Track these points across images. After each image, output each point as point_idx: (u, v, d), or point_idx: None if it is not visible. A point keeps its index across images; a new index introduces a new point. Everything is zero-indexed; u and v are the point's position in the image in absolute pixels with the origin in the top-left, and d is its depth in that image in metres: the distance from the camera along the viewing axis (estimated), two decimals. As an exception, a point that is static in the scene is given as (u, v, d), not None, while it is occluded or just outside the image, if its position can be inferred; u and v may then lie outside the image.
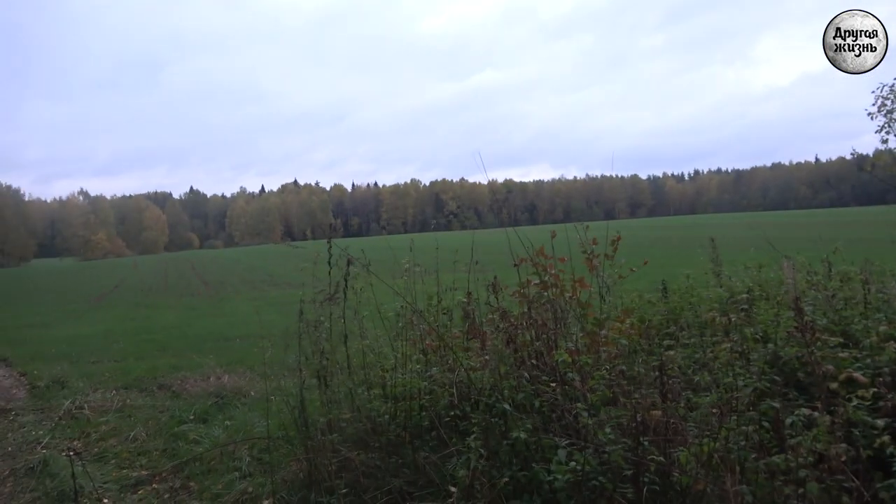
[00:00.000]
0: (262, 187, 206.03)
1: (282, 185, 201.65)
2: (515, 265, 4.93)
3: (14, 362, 11.68)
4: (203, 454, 5.73)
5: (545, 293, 4.78)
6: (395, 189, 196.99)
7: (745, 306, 4.83)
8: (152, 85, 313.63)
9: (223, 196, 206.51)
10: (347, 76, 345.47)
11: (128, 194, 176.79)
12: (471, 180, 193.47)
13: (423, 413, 4.54)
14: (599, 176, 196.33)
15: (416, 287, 5.53)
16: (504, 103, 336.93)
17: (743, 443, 2.89)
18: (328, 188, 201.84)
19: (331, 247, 4.97)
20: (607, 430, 3.33)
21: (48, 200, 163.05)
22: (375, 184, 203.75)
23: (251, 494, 4.75)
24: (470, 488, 3.45)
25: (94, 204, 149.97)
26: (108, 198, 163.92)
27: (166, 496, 5.17)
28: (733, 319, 4.55)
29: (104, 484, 5.39)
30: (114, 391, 8.52)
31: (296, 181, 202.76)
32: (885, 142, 9.28)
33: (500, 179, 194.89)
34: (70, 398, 8.09)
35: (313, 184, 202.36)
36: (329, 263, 4.95)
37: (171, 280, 39.03)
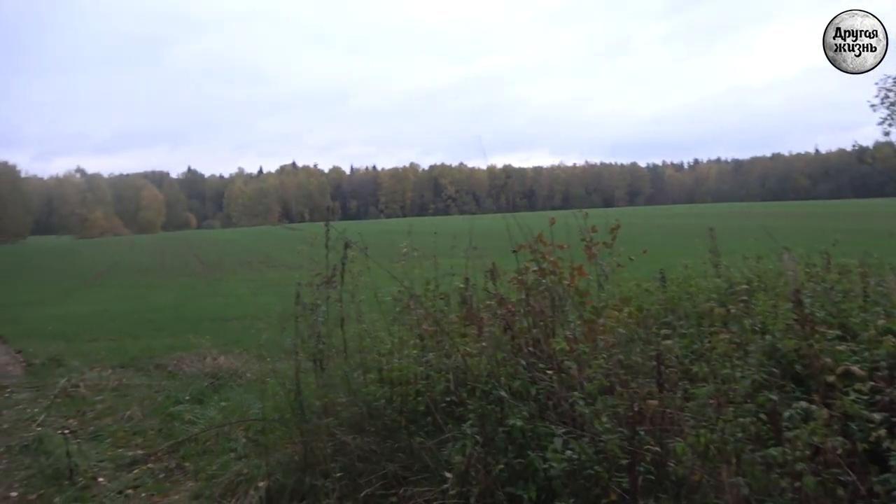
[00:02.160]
0: (261, 168, 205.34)
1: (280, 167, 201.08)
2: (514, 251, 4.91)
3: (10, 339, 11.67)
4: (198, 435, 5.73)
5: (543, 280, 4.76)
6: (394, 173, 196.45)
7: (745, 297, 4.81)
8: (155, 63, 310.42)
9: (221, 177, 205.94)
10: (348, 58, 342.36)
11: (125, 173, 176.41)
12: (470, 165, 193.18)
13: (420, 398, 4.53)
14: (599, 163, 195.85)
15: (414, 272, 5.52)
16: (504, 88, 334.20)
17: (740, 434, 2.89)
18: (327, 170, 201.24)
19: (328, 230, 4.94)
20: (604, 419, 3.32)
21: (45, 178, 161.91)
22: (374, 167, 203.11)
23: (246, 476, 4.74)
24: (465, 474, 3.45)
25: (91, 182, 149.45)
26: (106, 176, 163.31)
27: (161, 476, 5.17)
28: (732, 310, 4.53)
29: (99, 462, 5.41)
30: (109, 370, 8.53)
31: (294, 163, 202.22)
32: (886, 134, 9.29)
33: (500, 165, 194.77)
34: (66, 376, 8.10)
35: (312, 166, 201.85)
36: (326, 246, 4.93)
37: (168, 260, 38.96)
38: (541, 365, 4.09)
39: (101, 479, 5.12)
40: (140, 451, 5.69)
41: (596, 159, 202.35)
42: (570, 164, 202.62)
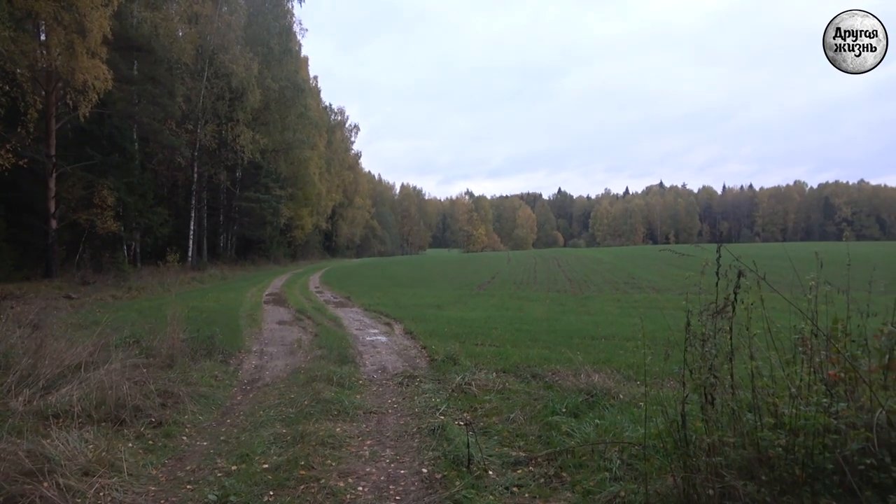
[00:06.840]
0: (627, 189, 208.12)
1: (646, 187, 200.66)
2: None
3: (418, 336, 13.86)
4: (575, 448, 5.93)
5: None
6: (775, 192, 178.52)
7: None
8: (547, 95, 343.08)
9: (588, 197, 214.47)
10: (737, 74, 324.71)
11: (505, 194, 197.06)
12: (873, 182, 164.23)
13: (827, 454, 3.94)
14: None
15: (820, 308, 4.86)
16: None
17: None
18: (696, 190, 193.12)
19: (720, 256, 4.67)
20: None
21: (442, 199, 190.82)
22: (750, 186, 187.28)
23: (623, 499, 4.75)
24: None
25: (477, 203, 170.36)
26: (489, 197, 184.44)
27: (541, 481, 5.48)
28: None
29: (489, 457, 5.99)
30: (494, 373, 9.43)
31: (661, 183, 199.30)
32: None
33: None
34: (460, 374, 9.23)
35: (679, 185, 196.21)
36: (717, 274, 4.67)
37: (540, 275, 41.76)
38: None
39: (490, 473, 5.68)
40: (522, 454, 6.14)
41: None
42: None
